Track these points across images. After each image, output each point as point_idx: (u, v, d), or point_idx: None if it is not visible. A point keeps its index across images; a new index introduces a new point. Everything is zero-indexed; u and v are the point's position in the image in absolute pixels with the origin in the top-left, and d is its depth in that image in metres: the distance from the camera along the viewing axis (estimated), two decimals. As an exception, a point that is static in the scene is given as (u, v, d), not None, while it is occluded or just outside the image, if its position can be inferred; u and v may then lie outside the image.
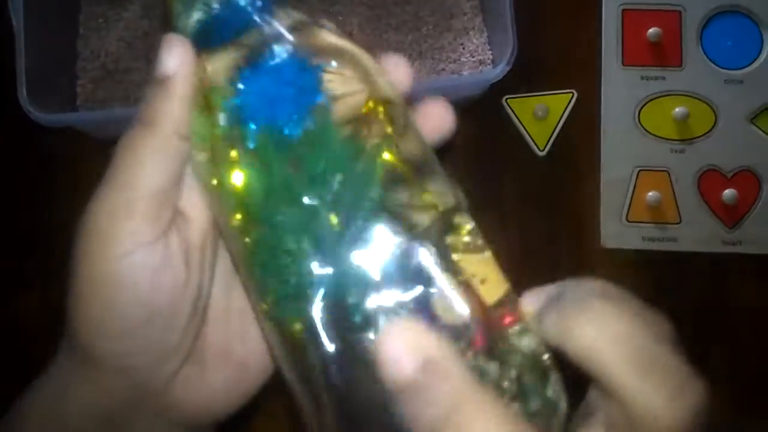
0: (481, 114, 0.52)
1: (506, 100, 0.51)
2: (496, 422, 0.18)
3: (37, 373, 0.28)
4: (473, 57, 0.51)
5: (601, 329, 0.20)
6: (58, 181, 0.51)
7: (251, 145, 0.23)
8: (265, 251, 0.23)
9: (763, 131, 0.51)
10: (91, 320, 0.24)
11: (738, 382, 0.50)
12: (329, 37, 0.26)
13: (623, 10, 0.51)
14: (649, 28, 0.50)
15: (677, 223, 0.50)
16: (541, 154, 0.52)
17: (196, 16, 0.25)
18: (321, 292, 0.22)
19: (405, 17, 0.51)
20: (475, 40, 0.51)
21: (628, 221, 0.51)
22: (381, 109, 0.24)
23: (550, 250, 0.51)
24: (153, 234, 0.24)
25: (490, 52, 0.51)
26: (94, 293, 0.24)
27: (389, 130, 0.24)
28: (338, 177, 0.23)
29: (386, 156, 0.24)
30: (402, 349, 0.19)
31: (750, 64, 0.51)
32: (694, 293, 0.51)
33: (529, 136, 0.52)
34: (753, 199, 0.50)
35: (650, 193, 0.50)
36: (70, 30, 0.51)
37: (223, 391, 0.27)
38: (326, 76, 0.24)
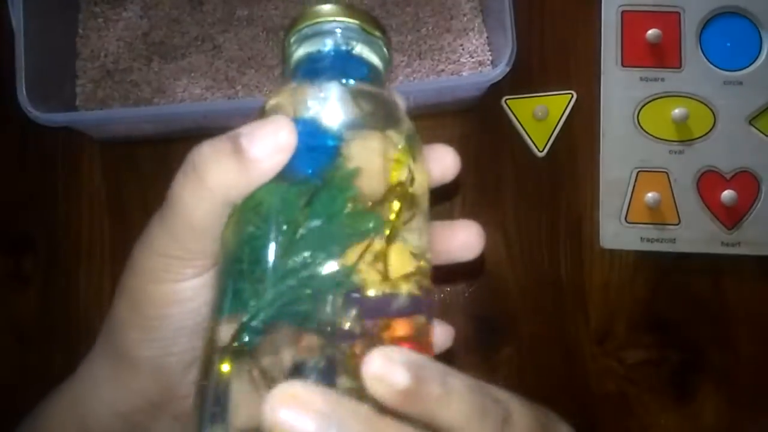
0: (481, 114, 0.52)
1: (506, 100, 0.52)
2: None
3: (33, 370, 0.28)
4: (473, 58, 0.51)
5: None
6: (58, 181, 0.52)
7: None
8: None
9: (762, 132, 0.51)
10: (143, 328, 0.25)
11: (736, 383, 0.50)
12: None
13: (622, 11, 0.51)
14: (648, 30, 0.50)
15: (676, 224, 0.50)
16: (540, 154, 0.52)
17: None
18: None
19: (405, 18, 0.51)
20: (474, 41, 0.51)
21: (627, 222, 0.51)
22: (399, 199, 0.25)
23: (548, 250, 0.51)
24: (205, 266, 0.25)
25: (490, 53, 0.51)
26: (151, 306, 0.25)
27: (393, 217, 0.24)
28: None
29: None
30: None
31: (749, 65, 0.51)
32: (693, 294, 0.51)
33: (529, 136, 0.52)
34: (752, 200, 0.50)
35: (649, 194, 0.50)
36: (70, 30, 0.51)
37: None
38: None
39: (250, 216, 0.24)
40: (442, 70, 0.51)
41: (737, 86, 0.50)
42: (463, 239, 0.27)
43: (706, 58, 0.51)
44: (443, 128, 0.52)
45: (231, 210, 0.24)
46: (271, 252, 0.22)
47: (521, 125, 0.52)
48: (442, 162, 0.27)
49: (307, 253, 0.22)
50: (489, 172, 0.52)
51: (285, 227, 0.23)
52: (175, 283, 0.25)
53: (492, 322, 0.51)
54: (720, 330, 0.51)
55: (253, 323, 0.22)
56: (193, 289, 0.25)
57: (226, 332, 0.22)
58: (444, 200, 0.51)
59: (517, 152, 0.52)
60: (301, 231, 0.23)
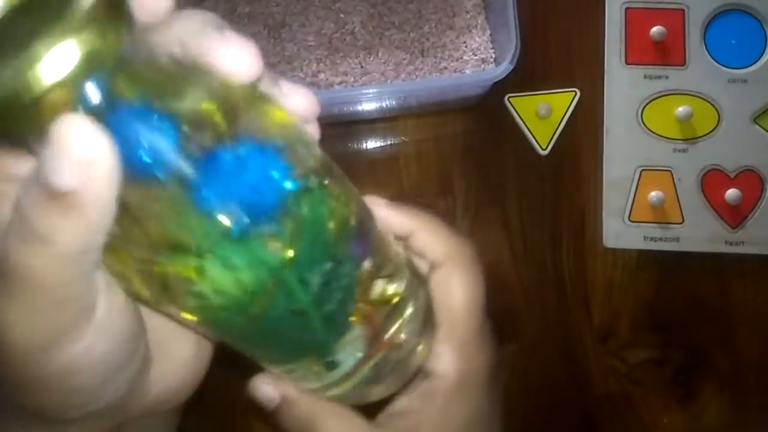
0: (484, 112, 0.52)
1: (509, 98, 0.51)
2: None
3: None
4: (476, 55, 0.50)
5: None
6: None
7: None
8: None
9: (766, 131, 0.50)
10: (52, 405, 0.22)
11: (740, 383, 0.50)
12: None
13: (626, 8, 0.51)
14: (652, 27, 0.50)
15: (680, 223, 0.50)
16: (543, 152, 0.51)
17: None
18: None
19: (407, 15, 0.51)
20: (477, 39, 0.50)
21: (631, 221, 0.50)
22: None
23: (552, 249, 0.51)
24: (88, 319, 0.20)
25: (493, 50, 0.50)
26: (49, 386, 0.21)
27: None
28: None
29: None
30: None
31: (754, 63, 0.50)
32: (697, 294, 0.51)
33: (532, 134, 0.51)
34: (756, 199, 0.50)
35: (653, 193, 0.50)
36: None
37: (186, 362, 0.26)
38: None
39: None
40: (445, 68, 0.50)
41: (742, 84, 0.50)
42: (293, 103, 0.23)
43: (711, 55, 0.51)
44: (445, 126, 0.52)
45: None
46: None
47: (524, 123, 0.51)
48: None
49: None
50: (491, 170, 0.52)
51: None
52: (58, 360, 0.20)
53: (494, 321, 0.51)
54: (724, 329, 0.50)
55: None
56: (87, 350, 0.20)
57: None
58: (446, 197, 0.51)
59: (519, 150, 0.52)
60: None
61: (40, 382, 0.21)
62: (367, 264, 0.25)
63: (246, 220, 0.20)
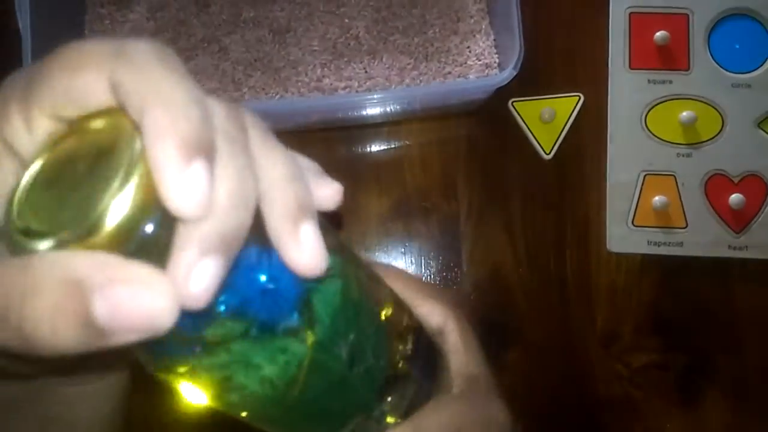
0: (488, 117, 0.52)
1: (513, 103, 0.51)
2: None
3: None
4: (480, 60, 0.50)
5: None
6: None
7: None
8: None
9: (770, 136, 0.50)
10: None
11: (743, 387, 0.50)
12: None
13: (630, 13, 0.51)
14: (656, 32, 0.50)
15: (683, 228, 0.50)
16: (547, 157, 0.51)
17: None
18: None
19: (411, 20, 0.51)
20: (481, 44, 0.51)
21: (635, 225, 0.50)
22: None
23: (555, 254, 0.51)
24: None
25: (497, 55, 0.50)
26: None
27: None
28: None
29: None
30: None
31: (758, 68, 0.50)
32: (700, 298, 0.51)
33: (536, 139, 0.51)
34: (760, 204, 0.50)
35: (656, 198, 0.50)
36: (76, 31, 0.51)
37: None
38: None
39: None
40: (449, 73, 0.50)
41: (746, 89, 0.50)
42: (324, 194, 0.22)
43: (715, 60, 0.51)
44: (449, 130, 0.52)
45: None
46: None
47: (528, 127, 0.51)
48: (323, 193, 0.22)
49: None
50: (495, 175, 0.52)
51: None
52: None
53: (498, 325, 0.51)
54: (727, 334, 0.50)
55: None
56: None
57: None
58: (449, 201, 0.51)
59: (523, 154, 0.52)
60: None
61: None
62: (384, 315, 0.26)
63: (263, 317, 0.20)
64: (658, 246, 0.50)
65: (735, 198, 0.49)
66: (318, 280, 0.21)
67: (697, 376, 0.50)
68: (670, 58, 0.51)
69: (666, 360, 0.50)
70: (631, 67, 0.51)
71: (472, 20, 0.51)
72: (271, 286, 0.20)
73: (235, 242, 0.18)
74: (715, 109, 0.50)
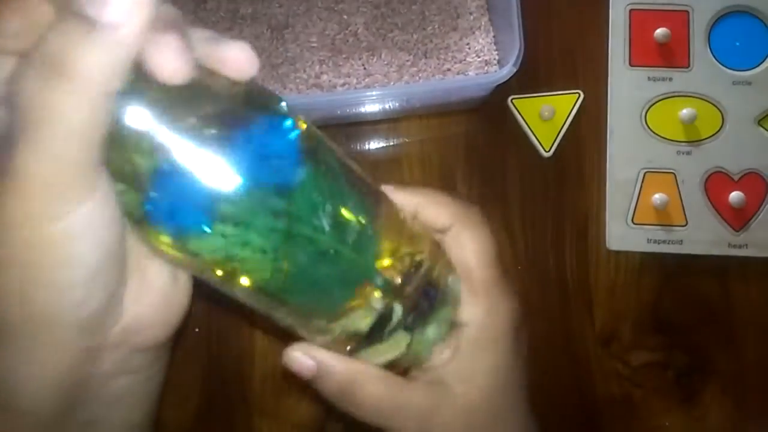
0: (487, 114, 0.51)
1: (512, 100, 0.51)
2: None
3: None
4: (479, 57, 0.50)
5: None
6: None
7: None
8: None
9: (770, 133, 0.50)
10: (47, 283, 0.22)
11: (742, 386, 0.50)
12: None
13: (630, 10, 0.51)
14: (656, 29, 0.50)
15: (683, 226, 0.50)
16: (546, 154, 0.51)
17: None
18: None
19: (410, 16, 0.51)
20: (481, 40, 0.50)
21: (634, 223, 0.50)
22: None
23: (555, 251, 0.51)
24: (93, 187, 0.21)
25: (497, 52, 0.50)
26: (44, 257, 0.21)
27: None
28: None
29: None
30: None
31: (758, 65, 0.50)
32: (700, 296, 0.51)
33: (535, 136, 0.51)
34: (760, 201, 0.50)
35: (656, 195, 0.50)
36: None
37: (160, 291, 0.26)
38: None
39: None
40: (448, 69, 0.50)
41: (746, 86, 0.50)
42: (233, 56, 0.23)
43: (715, 57, 0.50)
44: (448, 127, 0.52)
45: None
46: None
47: (527, 125, 0.51)
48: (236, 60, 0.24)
49: None
50: (495, 172, 0.51)
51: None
52: (60, 221, 0.21)
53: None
54: (726, 332, 0.50)
55: None
56: (85, 220, 0.21)
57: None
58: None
59: (523, 152, 0.51)
60: None
61: (38, 254, 0.21)
62: (374, 208, 0.28)
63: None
64: (658, 244, 0.50)
65: (735, 196, 0.49)
66: (295, 157, 0.24)
67: (696, 375, 0.50)
68: (671, 55, 0.51)
69: (665, 358, 0.50)
70: (631, 65, 0.51)
71: (472, 17, 0.51)
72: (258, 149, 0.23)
73: None
74: (716, 106, 0.50)
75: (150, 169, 0.22)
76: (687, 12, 0.50)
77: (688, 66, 0.50)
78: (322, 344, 0.31)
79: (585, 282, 0.51)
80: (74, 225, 0.21)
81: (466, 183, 0.51)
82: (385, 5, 0.51)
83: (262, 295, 0.26)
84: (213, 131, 0.22)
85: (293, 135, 0.24)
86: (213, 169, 0.22)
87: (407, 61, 0.50)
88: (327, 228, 0.25)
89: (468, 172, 0.51)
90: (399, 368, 0.32)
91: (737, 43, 0.51)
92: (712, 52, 0.50)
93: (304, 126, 0.25)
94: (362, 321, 0.28)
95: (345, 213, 0.26)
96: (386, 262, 0.28)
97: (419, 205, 0.33)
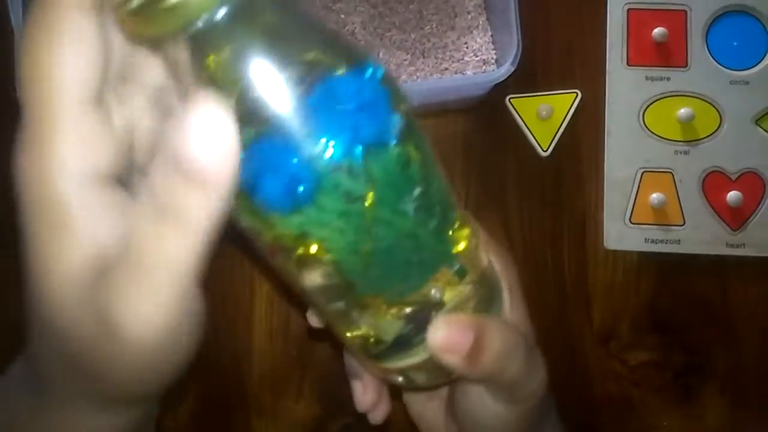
0: (484, 113, 0.51)
1: (510, 99, 0.51)
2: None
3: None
4: (477, 56, 0.50)
5: None
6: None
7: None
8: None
9: (768, 133, 0.50)
10: (126, 382, 0.22)
11: (740, 385, 0.50)
12: None
13: (628, 9, 0.51)
14: (654, 28, 0.50)
15: (681, 225, 0.50)
16: (544, 154, 0.51)
17: None
18: None
19: (408, 15, 0.51)
20: (479, 39, 0.50)
21: (632, 223, 0.50)
22: None
23: (552, 251, 0.51)
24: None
25: (494, 51, 0.50)
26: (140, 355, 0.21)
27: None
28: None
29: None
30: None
31: (756, 65, 0.50)
32: (697, 296, 0.51)
33: (533, 136, 0.51)
34: (758, 201, 0.50)
35: (654, 195, 0.50)
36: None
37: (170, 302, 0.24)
38: None
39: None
40: (446, 69, 0.50)
41: (744, 86, 0.50)
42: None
43: (713, 57, 0.50)
44: (446, 126, 0.52)
45: None
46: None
47: (525, 124, 0.51)
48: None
49: None
50: (492, 172, 0.51)
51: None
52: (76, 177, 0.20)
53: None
54: (724, 332, 0.50)
55: None
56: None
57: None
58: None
59: (520, 151, 0.51)
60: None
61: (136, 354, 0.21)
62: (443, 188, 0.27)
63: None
64: (656, 243, 0.50)
65: (733, 195, 0.49)
66: (382, 140, 0.23)
67: (694, 374, 0.50)
68: (668, 54, 0.51)
69: (663, 358, 0.50)
70: (629, 64, 0.51)
71: (470, 16, 0.51)
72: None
73: None
74: (713, 106, 0.50)
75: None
76: (685, 11, 0.50)
77: (686, 65, 0.50)
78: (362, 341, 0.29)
79: (583, 281, 0.51)
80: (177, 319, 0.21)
81: (464, 182, 0.51)
82: (382, 5, 0.51)
83: (334, 275, 0.25)
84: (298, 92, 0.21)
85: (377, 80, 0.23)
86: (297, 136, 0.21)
87: (405, 60, 0.50)
88: (412, 211, 0.24)
89: (465, 171, 0.51)
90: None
91: (735, 43, 0.51)
92: (709, 52, 0.50)
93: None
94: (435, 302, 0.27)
95: (434, 194, 0.25)
96: (461, 246, 0.27)
97: None
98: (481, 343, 0.27)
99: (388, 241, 0.24)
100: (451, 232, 0.27)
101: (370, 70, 0.23)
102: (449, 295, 0.27)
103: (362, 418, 0.35)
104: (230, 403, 0.49)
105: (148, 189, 0.19)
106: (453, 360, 0.27)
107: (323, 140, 0.21)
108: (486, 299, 0.29)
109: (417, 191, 0.24)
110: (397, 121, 0.23)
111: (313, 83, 0.21)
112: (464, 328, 0.27)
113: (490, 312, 0.30)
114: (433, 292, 0.27)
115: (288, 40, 0.22)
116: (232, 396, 0.49)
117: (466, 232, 0.28)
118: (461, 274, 0.27)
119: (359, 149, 0.22)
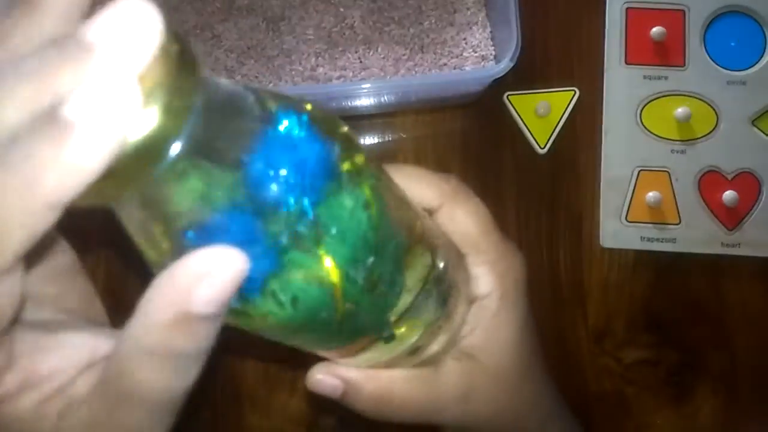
0: (482, 110, 0.51)
1: (508, 96, 0.51)
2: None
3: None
4: (476, 52, 0.50)
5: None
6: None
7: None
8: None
9: (764, 133, 0.50)
10: None
11: (734, 384, 0.50)
12: None
13: (627, 8, 0.51)
14: (652, 27, 0.50)
15: (677, 224, 0.50)
16: (541, 151, 0.51)
17: None
18: None
19: (407, 10, 0.51)
20: (478, 35, 0.50)
21: (628, 221, 0.50)
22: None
23: (548, 248, 0.51)
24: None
25: (493, 47, 0.50)
26: None
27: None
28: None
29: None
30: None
31: (753, 65, 0.50)
32: (692, 295, 0.51)
33: (530, 133, 0.51)
34: (753, 201, 0.50)
35: (650, 194, 0.50)
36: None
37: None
38: None
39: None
40: (445, 64, 0.50)
41: (741, 86, 0.50)
42: None
43: (710, 57, 0.51)
44: (444, 122, 0.52)
45: None
46: None
47: (523, 121, 0.51)
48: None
49: None
50: (489, 168, 0.51)
51: None
52: None
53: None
54: (718, 331, 0.51)
55: None
56: None
57: None
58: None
59: (518, 148, 0.51)
60: None
61: None
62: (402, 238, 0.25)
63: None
64: (651, 242, 0.50)
65: (728, 195, 0.49)
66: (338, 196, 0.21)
67: (688, 372, 0.50)
68: (666, 54, 0.51)
69: (657, 356, 0.50)
70: (626, 63, 0.51)
71: (469, 12, 0.51)
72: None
73: None
74: (710, 105, 0.50)
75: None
76: (683, 11, 0.51)
77: (684, 65, 0.50)
78: (337, 353, 0.29)
79: (578, 279, 0.51)
80: None
81: (461, 178, 0.51)
82: (382, -1, 0.51)
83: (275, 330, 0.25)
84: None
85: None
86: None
87: (403, 55, 0.50)
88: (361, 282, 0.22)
89: (463, 167, 0.51)
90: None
91: (732, 43, 0.51)
92: (707, 52, 0.51)
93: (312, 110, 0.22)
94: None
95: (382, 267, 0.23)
96: (410, 280, 0.26)
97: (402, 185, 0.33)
98: (353, 394, 0.31)
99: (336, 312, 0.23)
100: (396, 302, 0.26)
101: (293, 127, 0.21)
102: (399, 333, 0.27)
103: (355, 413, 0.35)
104: (224, 397, 0.49)
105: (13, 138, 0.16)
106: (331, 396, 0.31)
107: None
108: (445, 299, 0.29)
109: (370, 260, 0.22)
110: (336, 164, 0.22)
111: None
112: (334, 378, 0.31)
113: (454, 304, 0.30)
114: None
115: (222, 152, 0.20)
116: (226, 390, 0.49)
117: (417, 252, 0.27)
118: (389, 339, 0.27)
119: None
